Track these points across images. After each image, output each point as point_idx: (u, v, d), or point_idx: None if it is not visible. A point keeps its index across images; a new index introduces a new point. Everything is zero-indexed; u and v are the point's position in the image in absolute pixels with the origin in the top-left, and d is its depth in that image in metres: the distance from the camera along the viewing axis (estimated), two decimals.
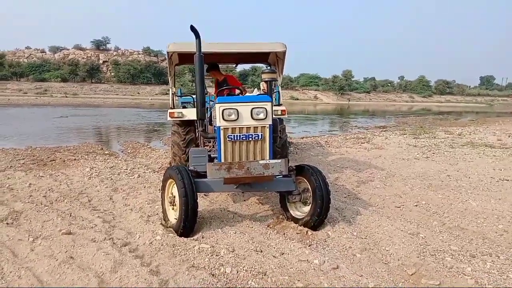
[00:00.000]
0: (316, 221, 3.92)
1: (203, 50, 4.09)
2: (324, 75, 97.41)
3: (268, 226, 4.23)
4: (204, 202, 4.99)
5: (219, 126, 3.83)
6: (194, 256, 3.36)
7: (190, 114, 5.61)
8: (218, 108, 3.80)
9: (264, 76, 4.22)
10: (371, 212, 4.67)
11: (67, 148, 10.12)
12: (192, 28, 3.93)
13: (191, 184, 3.68)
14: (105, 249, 3.46)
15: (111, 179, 6.33)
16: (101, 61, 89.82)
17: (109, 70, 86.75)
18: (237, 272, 3.10)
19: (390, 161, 8.17)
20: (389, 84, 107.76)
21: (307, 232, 3.96)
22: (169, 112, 5.74)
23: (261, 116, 3.84)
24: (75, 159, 8.26)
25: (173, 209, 3.99)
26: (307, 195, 4.09)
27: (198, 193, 3.76)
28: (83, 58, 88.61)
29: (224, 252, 3.42)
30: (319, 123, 25.14)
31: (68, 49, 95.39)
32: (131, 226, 4.11)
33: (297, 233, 3.99)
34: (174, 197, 3.91)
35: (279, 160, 3.75)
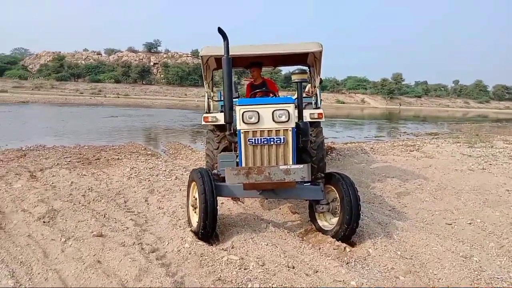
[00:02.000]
0: (346, 231, 3.66)
1: (232, 53, 3.94)
2: (372, 78, 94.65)
3: (302, 239, 3.98)
4: (237, 209, 4.83)
5: (240, 130, 3.71)
6: (221, 268, 3.19)
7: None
8: (238, 111, 3.70)
9: (294, 77, 4.05)
10: (418, 229, 4.25)
11: (113, 148, 10.41)
12: (220, 30, 3.81)
13: (211, 187, 3.59)
14: (132, 255, 3.37)
15: (149, 180, 6.34)
16: (152, 63, 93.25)
17: (159, 72, 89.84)
18: None
19: (441, 171, 7.56)
20: (443, 89, 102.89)
21: (345, 248, 3.66)
22: (204, 117, 5.62)
23: (283, 118, 3.66)
24: (118, 159, 8.44)
25: (195, 212, 3.92)
26: (336, 205, 3.87)
27: (220, 197, 3.71)
28: (135, 60, 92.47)
29: (253, 266, 3.21)
30: (365, 128, 24.30)
31: (122, 51, 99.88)
32: (162, 231, 4.02)
33: (334, 249, 3.68)
34: (196, 200, 3.84)
35: (301, 166, 3.54)
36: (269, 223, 4.37)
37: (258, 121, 3.67)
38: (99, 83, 75.09)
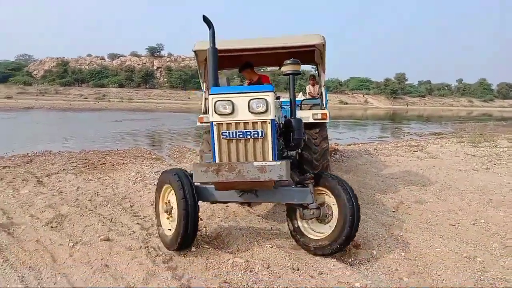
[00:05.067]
0: (337, 249, 3.37)
1: (224, 47, 3.73)
2: (375, 78, 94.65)
3: None
4: (241, 212, 4.87)
5: (212, 122, 3.27)
6: (227, 270, 3.22)
7: None
8: (210, 100, 3.26)
9: (285, 68, 3.66)
10: (422, 230, 4.28)
11: (117, 152, 10.50)
12: (205, 19, 3.55)
13: (192, 191, 3.36)
14: (139, 259, 3.43)
15: (155, 184, 6.37)
16: (155, 67, 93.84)
17: (162, 75, 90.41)
18: None
19: (445, 172, 7.57)
20: (446, 88, 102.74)
21: (349, 250, 3.67)
22: (199, 117, 5.39)
23: (261, 109, 3.20)
24: (123, 163, 8.51)
25: (168, 218, 3.68)
26: (327, 212, 3.50)
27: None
28: (138, 64, 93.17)
29: (258, 268, 3.25)
30: (369, 129, 24.27)
31: (125, 56, 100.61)
32: None
33: None
34: (171, 206, 3.60)
35: (278, 162, 3.14)
36: (274, 225, 4.41)
37: (233, 111, 3.23)
38: (103, 88, 75.69)
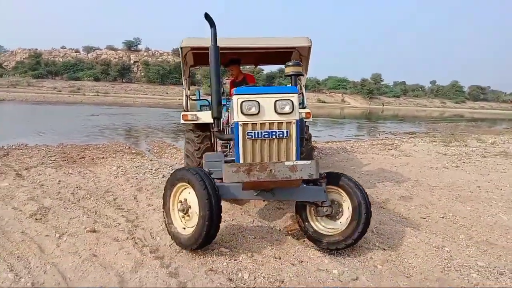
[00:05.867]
0: (350, 244, 3.51)
1: (198, 45, 3.76)
2: (352, 78, 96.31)
3: (288, 232, 4.20)
4: (225, 205, 5.01)
5: (237, 122, 3.30)
6: (213, 259, 3.37)
7: (206, 117, 5.19)
8: (236, 100, 3.31)
9: (288, 70, 3.69)
10: (395, 222, 4.55)
11: (96, 146, 10.41)
12: (207, 16, 3.55)
13: (215, 190, 3.27)
14: (126, 249, 3.54)
15: (136, 178, 6.46)
16: (132, 61, 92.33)
17: (139, 70, 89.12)
18: (255, 278, 3.10)
19: (417, 169, 7.95)
20: (420, 89, 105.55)
21: None
22: (182, 115, 5.28)
23: (286, 109, 3.30)
24: (103, 157, 8.49)
25: (183, 217, 3.58)
26: (338, 209, 3.68)
27: None
28: (115, 58, 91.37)
29: (242, 257, 3.42)
30: (346, 127, 24.79)
31: (101, 49, 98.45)
32: (153, 226, 4.18)
33: None
34: (188, 205, 3.49)
35: (309, 162, 3.21)
36: (255, 218, 4.59)
37: (259, 112, 3.28)
38: (77, 81, 73.97)
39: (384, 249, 3.78)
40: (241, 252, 3.52)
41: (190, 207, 3.49)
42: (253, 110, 3.27)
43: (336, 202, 3.69)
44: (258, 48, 5.60)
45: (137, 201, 5.19)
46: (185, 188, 3.56)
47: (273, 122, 3.32)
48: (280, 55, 6.13)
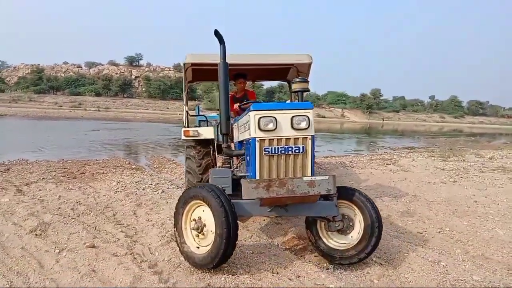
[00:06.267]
0: (363, 258, 3.58)
1: (210, 61, 3.80)
2: (352, 93, 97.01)
3: (285, 247, 4.23)
4: None
5: (254, 138, 3.32)
6: (210, 275, 3.40)
7: (207, 133, 5.23)
8: (253, 116, 3.34)
9: (295, 86, 3.67)
10: (392, 237, 4.59)
11: (96, 162, 10.48)
12: (216, 33, 3.62)
13: (232, 208, 3.22)
14: (125, 264, 3.57)
15: (136, 193, 6.51)
16: (133, 77, 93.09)
17: (141, 85, 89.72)
18: None
19: (415, 184, 8.00)
20: (419, 104, 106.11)
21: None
22: (184, 131, 5.25)
23: (303, 125, 3.35)
24: (103, 173, 8.54)
25: (197, 236, 3.51)
26: (349, 223, 3.71)
27: None
28: (116, 73, 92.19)
29: (240, 272, 3.46)
30: (345, 142, 24.88)
31: (102, 65, 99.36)
32: (152, 242, 4.21)
33: (315, 256, 3.96)
34: (203, 224, 3.42)
35: (326, 177, 3.26)
36: (254, 233, 4.63)
37: (276, 128, 3.32)
38: (79, 96, 74.39)
39: (381, 264, 3.81)
40: (239, 267, 3.55)
41: (205, 225, 3.42)
42: (271, 126, 3.31)
43: (346, 217, 3.72)
44: (259, 65, 5.68)
45: (137, 217, 5.23)
46: (198, 206, 3.51)
47: (290, 138, 3.36)
48: (277, 71, 6.22)
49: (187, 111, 5.92)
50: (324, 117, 75.86)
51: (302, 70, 5.72)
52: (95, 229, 4.63)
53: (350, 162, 11.59)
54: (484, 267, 3.84)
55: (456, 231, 4.91)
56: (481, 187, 7.74)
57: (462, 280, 3.48)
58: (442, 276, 3.54)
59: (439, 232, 4.88)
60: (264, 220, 5.19)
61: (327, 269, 3.65)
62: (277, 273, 3.49)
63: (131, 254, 3.84)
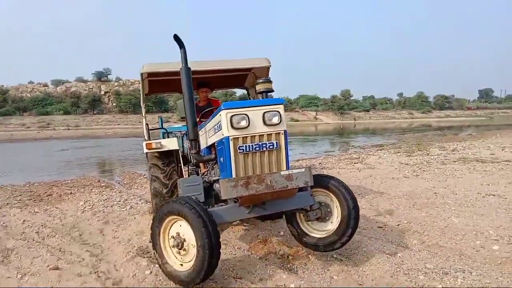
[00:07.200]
0: (346, 242, 3.69)
1: (160, 70, 3.78)
2: (323, 95, 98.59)
3: (251, 252, 4.33)
4: None
5: (228, 137, 3.24)
6: (175, 284, 3.46)
7: (171, 144, 5.07)
8: (225, 115, 3.25)
9: (259, 87, 3.60)
10: None
11: (65, 182, 10.30)
12: (176, 38, 3.58)
13: (210, 217, 3.13)
14: (89, 283, 3.59)
15: (103, 211, 6.46)
16: (102, 92, 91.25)
17: (111, 100, 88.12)
18: None
19: (379, 180, 8.28)
20: (388, 102, 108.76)
21: (287, 256, 4.06)
22: (146, 143, 5.04)
23: (275, 120, 3.32)
24: (71, 193, 8.42)
25: (178, 253, 3.37)
26: (327, 210, 3.77)
27: None
28: (85, 90, 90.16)
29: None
30: (317, 144, 25.29)
31: (70, 82, 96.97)
32: (117, 259, 4.22)
33: (278, 258, 4.08)
34: (183, 239, 3.29)
35: (302, 169, 3.31)
36: (221, 241, 4.69)
37: (249, 125, 3.26)
38: (47, 116, 72.38)
39: (341, 260, 3.97)
40: None
41: (184, 240, 3.28)
42: (243, 123, 3.25)
43: (323, 204, 3.79)
44: (216, 71, 5.58)
45: (103, 235, 5.21)
46: (175, 222, 3.39)
47: (263, 134, 3.33)
48: (235, 78, 6.16)
49: (147, 124, 5.80)
50: (298, 120, 76.70)
51: (260, 75, 5.64)
52: (60, 251, 4.59)
53: (320, 163, 11.86)
54: (438, 255, 4.05)
55: (414, 223, 5.15)
56: (441, 179, 8.09)
57: (415, 269, 3.67)
58: (397, 267, 3.72)
59: (398, 225, 5.10)
60: (231, 227, 5.27)
61: (289, 270, 3.77)
62: (240, 278, 3.58)
63: (95, 272, 3.85)
